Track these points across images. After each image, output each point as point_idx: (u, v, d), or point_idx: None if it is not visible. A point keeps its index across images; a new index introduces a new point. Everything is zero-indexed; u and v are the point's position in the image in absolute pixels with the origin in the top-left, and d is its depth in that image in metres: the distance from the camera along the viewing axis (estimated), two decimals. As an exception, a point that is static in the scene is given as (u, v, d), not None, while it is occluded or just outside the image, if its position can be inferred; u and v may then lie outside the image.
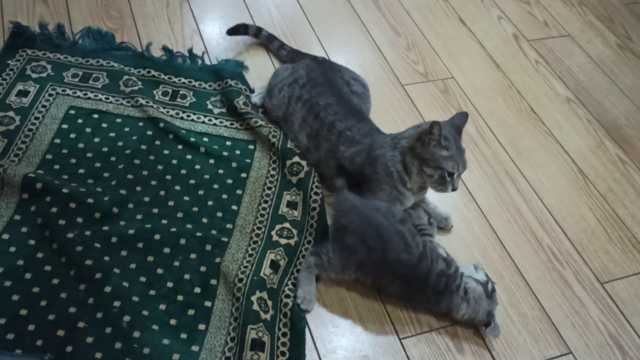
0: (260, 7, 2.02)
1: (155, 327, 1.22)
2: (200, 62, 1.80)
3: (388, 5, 2.13)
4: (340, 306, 1.33)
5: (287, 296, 1.30)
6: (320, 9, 2.06)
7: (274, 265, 1.35)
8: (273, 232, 1.41)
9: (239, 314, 1.26)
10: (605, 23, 2.23)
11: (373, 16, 2.08)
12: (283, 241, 1.40)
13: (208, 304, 1.28)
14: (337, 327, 1.30)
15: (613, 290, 1.45)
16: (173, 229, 1.37)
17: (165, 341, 1.21)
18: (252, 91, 1.73)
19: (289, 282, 1.33)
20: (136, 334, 1.20)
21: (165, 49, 1.81)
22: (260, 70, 1.81)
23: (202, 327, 1.25)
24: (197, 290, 1.30)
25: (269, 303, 1.28)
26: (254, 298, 1.28)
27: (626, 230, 1.58)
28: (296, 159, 1.54)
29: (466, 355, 1.29)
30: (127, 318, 1.22)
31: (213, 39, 1.89)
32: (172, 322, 1.24)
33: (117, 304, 1.23)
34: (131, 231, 1.35)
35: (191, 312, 1.26)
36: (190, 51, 1.82)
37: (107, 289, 1.25)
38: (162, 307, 1.26)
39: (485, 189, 1.61)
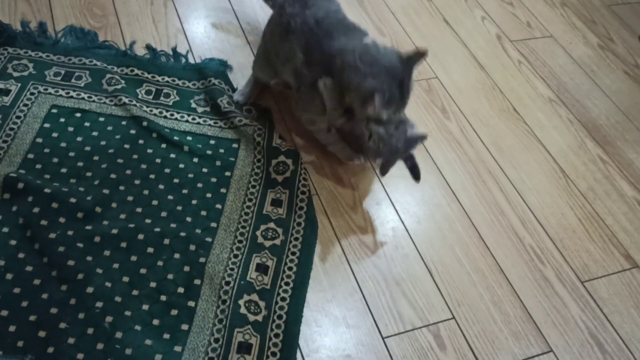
0: (246, 7, 2.02)
1: (137, 327, 1.22)
2: (183, 60, 1.79)
3: (373, 5, 2.14)
4: (324, 305, 1.33)
5: (283, 299, 1.31)
6: (305, 9, 2.06)
7: (261, 268, 1.35)
8: (258, 233, 1.41)
9: (225, 317, 1.26)
10: (587, 24, 2.26)
11: (357, 16, 2.08)
12: (268, 243, 1.40)
13: (191, 304, 1.28)
14: (320, 326, 1.30)
15: (593, 288, 1.47)
16: (157, 229, 1.37)
17: (148, 342, 1.20)
18: (234, 90, 1.73)
19: (282, 284, 1.34)
20: (118, 334, 1.20)
21: (148, 47, 1.80)
22: (245, 70, 1.81)
23: (185, 327, 1.25)
24: (181, 290, 1.30)
25: (261, 304, 1.29)
26: (241, 302, 1.28)
27: (606, 229, 1.60)
28: (282, 158, 1.54)
29: (448, 353, 1.30)
30: (109, 319, 1.21)
31: (197, 37, 1.88)
32: (155, 322, 1.24)
33: (99, 304, 1.23)
34: (114, 231, 1.34)
35: (174, 312, 1.26)
36: (174, 50, 1.81)
37: (89, 289, 1.24)
38: (145, 307, 1.26)
39: (467, 188, 1.62)
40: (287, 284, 1.34)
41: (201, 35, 1.90)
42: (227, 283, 1.31)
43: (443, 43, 2.06)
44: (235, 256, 1.36)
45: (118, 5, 1.93)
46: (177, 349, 1.21)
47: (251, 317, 1.26)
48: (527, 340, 1.35)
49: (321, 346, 1.27)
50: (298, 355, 1.25)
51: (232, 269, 1.33)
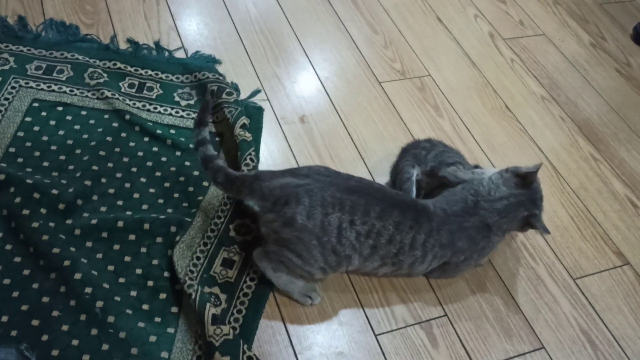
0: (238, 4, 2.02)
1: (129, 311, 1.23)
2: (166, 54, 1.79)
3: (366, 3, 2.14)
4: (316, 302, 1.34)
5: (245, 294, 1.31)
6: (298, 6, 2.06)
7: (227, 262, 1.35)
8: (231, 226, 1.40)
9: (192, 301, 1.24)
10: (580, 23, 2.26)
11: (351, 14, 2.08)
12: (239, 238, 1.39)
13: (178, 287, 1.28)
14: (313, 323, 1.30)
15: (585, 285, 1.47)
16: (137, 216, 1.37)
17: (141, 324, 1.22)
18: (229, 84, 1.71)
19: (247, 279, 1.33)
20: (110, 318, 1.20)
21: (130, 41, 1.79)
22: (238, 67, 1.81)
23: (174, 310, 1.26)
24: (166, 274, 1.30)
25: (222, 297, 1.29)
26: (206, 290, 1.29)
27: (598, 227, 1.60)
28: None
29: (441, 350, 1.31)
30: (99, 304, 1.22)
31: (190, 34, 1.88)
32: (145, 307, 1.25)
33: (88, 290, 1.23)
34: (94, 221, 1.34)
35: (162, 296, 1.27)
36: (156, 43, 1.80)
37: (77, 275, 1.24)
38: (133, 293, 1.26)
39: (460, 186, 1.63)
40: (252, 279, 1.33)
41: (194, 32, 1.89)
42: (192, 271, 1.31)
43: (436, 41, 2.06)
44: (205, 244, 1.37)
45: (110, 2, 1.92)
46: (170, 330, 1.23)
47: (213, 309, 1.25)
48: (519, 337, 1.35)
49: (314, 343, 1.27)
50: (291, 352, 1.25)
51: (198, 258, 1.34)
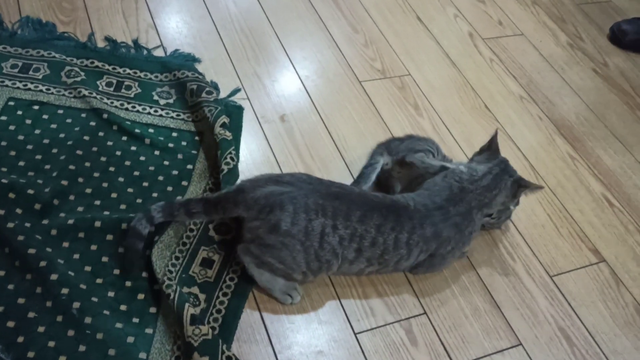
0: (218, 2, 2.01)
1: (106, 312, 1.22)
2: (145, 52, 1.77)
3: (346, 2, 2.14)
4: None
5: (225, 294, 1.31)
6: (279, 5, 2.05)
7: (206, 262, 1.34)
8: (211, 226, 1.40)
9: (171, 301, 1.23)
10: (558, 23, 2.29)
11: (331, 13, 2.08)
12: (218, 237, 1.39)
13: (157, 287, 1.27)
14: (292, 323, 1.30)
15: (562, 283, 1.49)
16: (115, 215, 1.36)
17: (118, 325, 1.21)
18: (209, 82, 1.70)
19: (227, 278, 1.33)
20: (87, 319, 1.19)
21: (108, 39, 1.78)
22: (218, 66, 1.80)
23: (153, 310, 1.25)
24: (145, 274, 1.29)
25: (201, 297, 1.29)
26: (185, 290, 1.28)
27: (575, 225, 1.63)
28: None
29: (420, 348, 1.31)
30: (76, 305, 1.20)
31: (169, 33, 1.87)
32: (123, 307, 1.24)
33: (65, 291, 1.22)
34: (70, 221, 1.33)
35: (141, 296, 1.26)
36: (135, 41, 1.79)
37: (54, 276, 1.23)
38: (111, 294, 1.25)
39: (440, 185, 1.64)
40: (231, 279, 1.33)
41: (173, 30, 1.88)
42: (170, 271, 1.30)
43: (416, 41, 2.07)
44: (184, 244, 1.36)
45: (88, -1, 1.90)
46: (149, 331, 1.22)
47: (192, 309, 1.23)
48: (497, 334, 1.37)
49: (294, 343, 1.27)
50: (270, 351, 1.25)
51: (177, 257, 1.33)
